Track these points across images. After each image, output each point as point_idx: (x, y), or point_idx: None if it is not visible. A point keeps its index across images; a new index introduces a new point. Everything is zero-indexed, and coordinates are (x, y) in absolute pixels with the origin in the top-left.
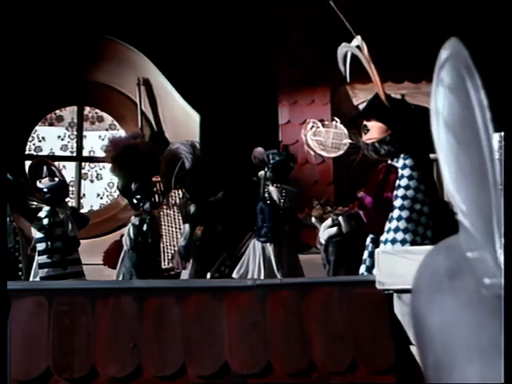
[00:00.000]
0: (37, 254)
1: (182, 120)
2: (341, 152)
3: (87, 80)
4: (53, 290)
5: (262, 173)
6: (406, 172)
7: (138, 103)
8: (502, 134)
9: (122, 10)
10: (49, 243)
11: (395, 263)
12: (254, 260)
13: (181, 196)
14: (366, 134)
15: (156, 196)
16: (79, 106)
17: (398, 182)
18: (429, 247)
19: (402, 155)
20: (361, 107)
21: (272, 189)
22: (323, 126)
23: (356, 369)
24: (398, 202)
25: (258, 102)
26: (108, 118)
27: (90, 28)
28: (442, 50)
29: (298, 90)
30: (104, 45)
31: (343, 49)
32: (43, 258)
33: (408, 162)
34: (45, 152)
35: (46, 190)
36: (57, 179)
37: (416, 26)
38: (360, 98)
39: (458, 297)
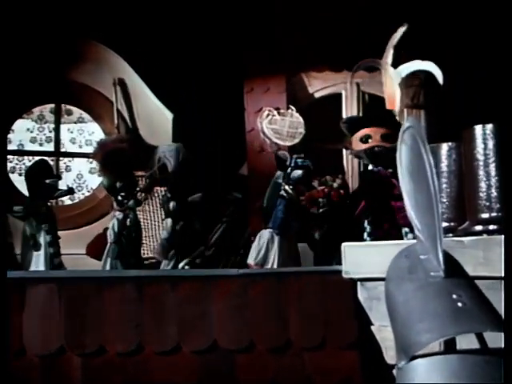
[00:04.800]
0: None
1: (155, 118)
2: (296, 141)
3: (66, 79)
4: (63, 278)
5: (280, 173)
6: None
7: (114, 102)
8: (450, 143)
9: (97, 12)
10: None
11: (359, 255)
12: (272, 250)
13: (163, 194)
14: (364, 142)
15: (139, 193)
16: (57, 105)
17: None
18: (386, 242)
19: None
20: (317, 95)
21: (287, 187)
22: (279, 114)
23: (325, 345)
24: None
25: (225, 92)
26: (77, 111)
27: (69, 29)
28: (405, 121)
29: (253, 77)
30: (82, 45)
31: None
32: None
33: None
34: (14, 144)
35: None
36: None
37: (372, 17)
38: (315, 86)
39: (414, 283)
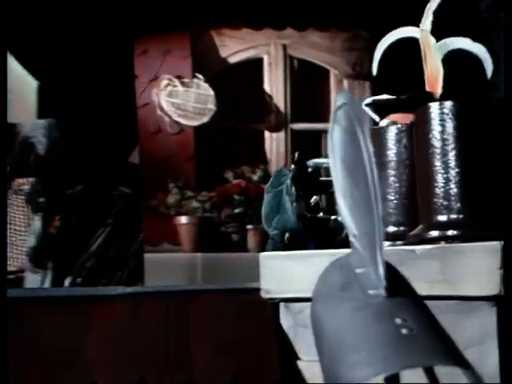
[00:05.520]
0: None
1: (14, 87)
2: (205, 119)
3: None
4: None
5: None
6: None
7: None
8: (399, 125)
9: None
10: None
11: (282, 268)
12: None
13: (31, 186)
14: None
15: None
16: None
17: None
18: (317, 252)
19: None
20: (232, 60)
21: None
22: (182, 84)
23: None
24: None
25: (109, 53)
26: None
27: None
28: (338, 96)
29: (147, 36)
30: None
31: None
32: None
33: None
34: None
35: None
36: None
37: None
38: (230, 48)
39: (350, 304)
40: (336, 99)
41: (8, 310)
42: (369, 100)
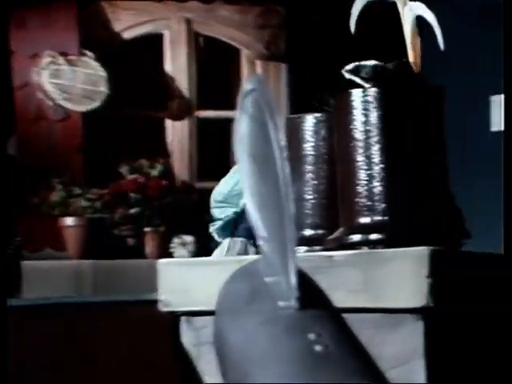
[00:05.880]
0: None
1: None
2: (95, 104)
3: None
4: None
5: None
6: None
7: None
8: (317, 114)
9: None
10: None
11: (182, 277)
12: None
13: None
14: None
15: None
16: None
17: None
18: (223, 258)
19: None
20: (128, 36)
21: None
22: (67, 62)
23: None
24: None
25: None
26: None
27: None
28: (246, 82)
29: (25, 5)
30: None
31: None
32: None
33: None
34: None
35: None
36: None
37: None
38: (124, 21)
39: (257, 317)
40: (244, 84)
41: None
42: (352, 66)
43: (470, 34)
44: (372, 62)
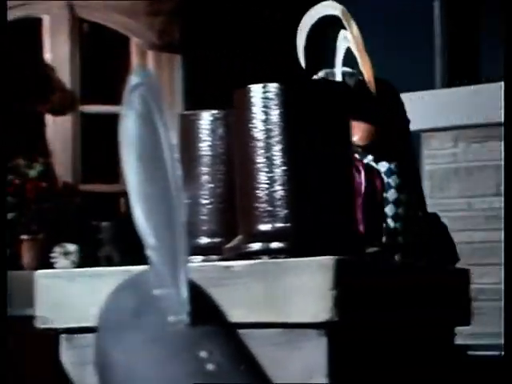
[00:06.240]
0: None
1: None
2: None
3: None
4: None
5: None
6: (393, 181)
7: None
8: (214, 111)
9: None
10: None
11: (63, 291)
12: None
13: None
14: None
15: None
16: None
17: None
18: (106, 269)
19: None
20: None
21: None
22: None
23: None
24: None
25: None
26: None
27: None
28: (132, 75)
29: None
30: None
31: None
32: None
33: (393, 166)
34: None
35: None
36: None
37: None
38: None
39: (143, 334)
40: (131, 79)
41: None
42: (323, 73)
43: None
44: (344, 69)
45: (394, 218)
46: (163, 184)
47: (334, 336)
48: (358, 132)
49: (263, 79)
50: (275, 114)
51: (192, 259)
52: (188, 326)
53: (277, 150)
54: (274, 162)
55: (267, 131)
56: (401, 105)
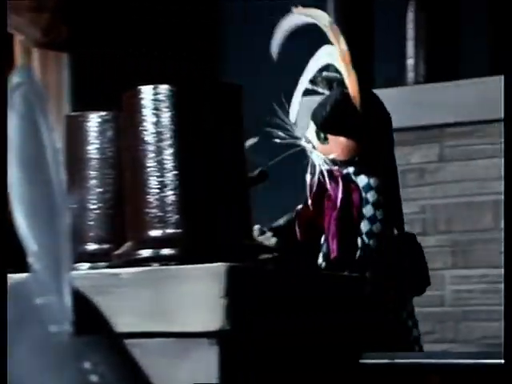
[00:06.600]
0: None
1: None
2: None
3: None
4: None
5: None
6: (371, 196)
7: None
8: (103, 113)
9: None
10: None
11: None
12: None
13: None
14: (322, 143)
15: None
16: None
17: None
18: None
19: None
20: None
21: None
22: None
23: None
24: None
25: None
26: None
27: None
28: (13, 74)
29: None
30: None
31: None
32: None
33: (373, 181)
34: None
35: None
36: None
37: None
38: None
39: (26, 346)
40: (11, 77)
41: None
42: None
43: None
44: (333, 75)
45: (368, 234)
46: (46, 188)
47: (225, 345)
48: (338, 149)
49: (154, 80)
50: (166, 117)
51: (79, 266)
52: (71, 337)
53: (168, 154)
54: (165, 166)
55: (158, 134)
56: (386, 119)
